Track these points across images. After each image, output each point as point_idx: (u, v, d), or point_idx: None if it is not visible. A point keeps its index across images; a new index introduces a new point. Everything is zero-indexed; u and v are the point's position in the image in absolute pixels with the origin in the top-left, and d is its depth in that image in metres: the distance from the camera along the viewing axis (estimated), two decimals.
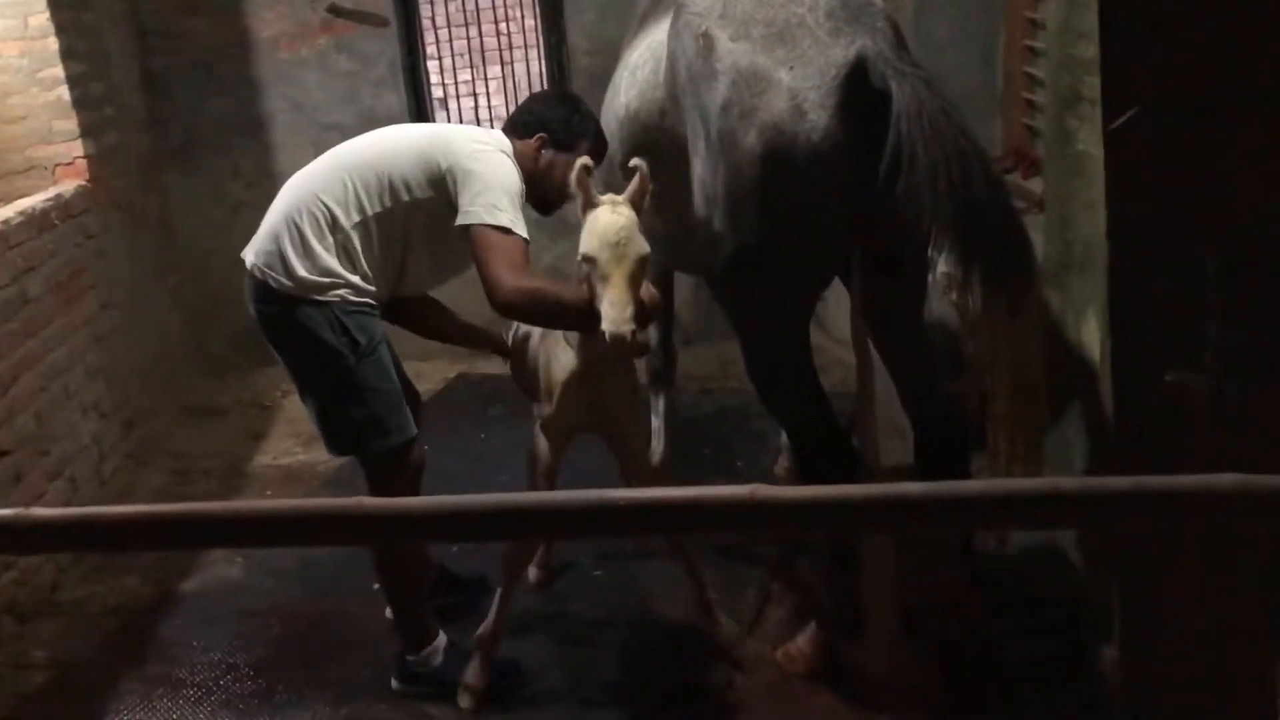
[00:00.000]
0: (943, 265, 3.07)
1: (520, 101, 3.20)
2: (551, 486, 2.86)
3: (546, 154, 2.89)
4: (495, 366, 5.44)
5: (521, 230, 2.68)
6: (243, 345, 5.42)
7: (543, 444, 2.87)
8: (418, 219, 2.80)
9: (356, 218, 2.76)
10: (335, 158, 2.87)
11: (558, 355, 2.78)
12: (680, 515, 1.15)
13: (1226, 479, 1.05)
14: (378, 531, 1.20)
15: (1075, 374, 2.82)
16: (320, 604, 3.47)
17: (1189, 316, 1.39)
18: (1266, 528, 1.18)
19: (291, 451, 4.74)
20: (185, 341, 5.36)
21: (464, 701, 2.90)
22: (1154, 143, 1.38)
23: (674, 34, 2.73)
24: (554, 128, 2.90)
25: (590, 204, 2.52)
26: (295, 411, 5.06)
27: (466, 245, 2.69)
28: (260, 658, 3.19)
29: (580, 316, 2.55)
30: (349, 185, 2.77)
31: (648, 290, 2.55)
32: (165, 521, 1.22)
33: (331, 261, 2.75)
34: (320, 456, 4.60)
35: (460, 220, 2.68)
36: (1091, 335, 2.73)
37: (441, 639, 2.99)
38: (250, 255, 2.83)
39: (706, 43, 2.57)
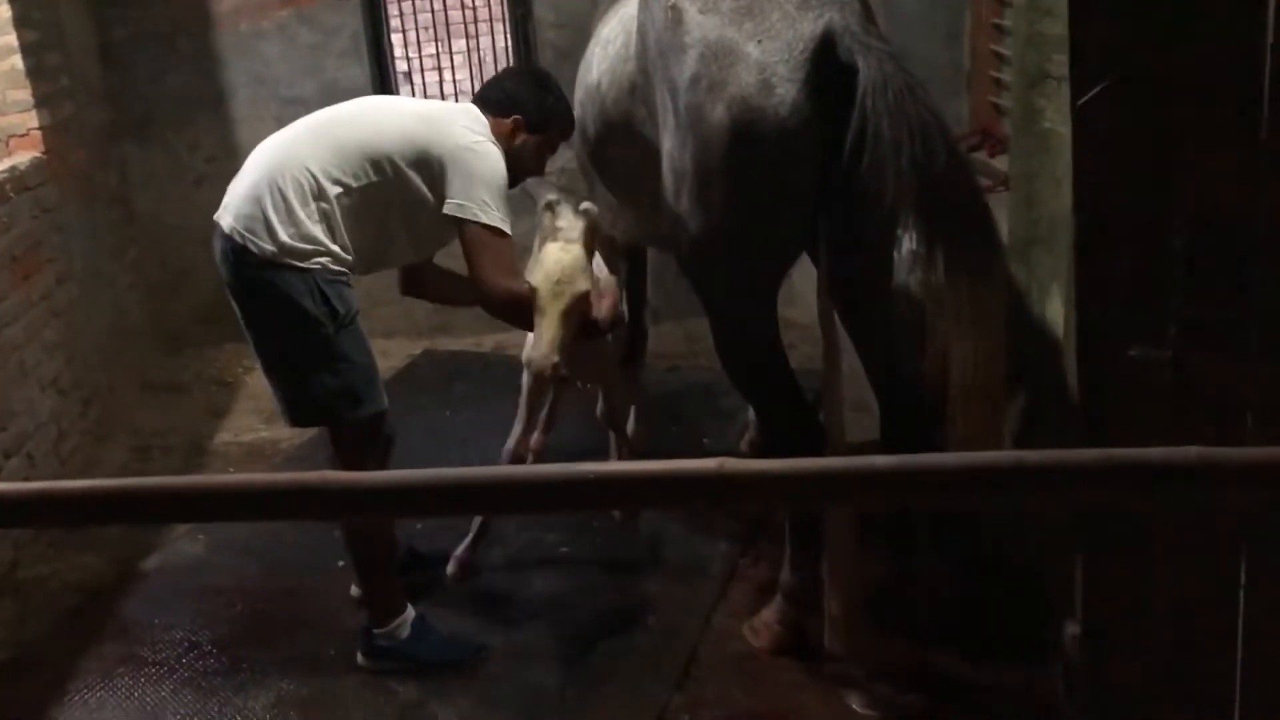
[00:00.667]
0: (909, 242, 3.10)
1: (489, 76, 3.19)
2: (534, 415, 3.24)
3: (521, 135, 2.92)
4: (460, 343, 5.48)
5: (507, 227, 2.76)
6: (203, 320, 5.37)
7: (527, 379, 3.17)
8: (401, 197, 2.79)
9: (340, 189, 2.74)
10: (321, 125, 2.84)
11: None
12: (648, 489, 1.15)
13: (1190, 452, 1.06)
14: (342, 506, 1.19)
15: (1039, 350, 2.84)
16: (283, 581, 3.44)
17: (1152, 292, 1.40)
18: (1229, 500, 1.19)
19: (254, 428, 4.70)
20: (145, 317, 5.30)
21: (452, 568, 3.27)
22: (1120, 119, 1.38)
23: (644, 6, 2.72)
24: (529, 110, 2.93)
25: (547, 237, 2.72)
26: (257, 388, 5.01)
27: (446, 229, 2.79)
28: (223, 635, 3.16)
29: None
30: (336, 155, 2.75)
31: (611, 304, 2.84)
32: (130, 496, 1.19)
33: (314, 229, 2.72)
34: (283, 434, 4.56)
35: (451, 211, 2.73)
36: (1056, 311, 2.75)
37: (410, 613, 2.98)
38: (228, 218, 2.76)
39: (675, 15, 2.56)
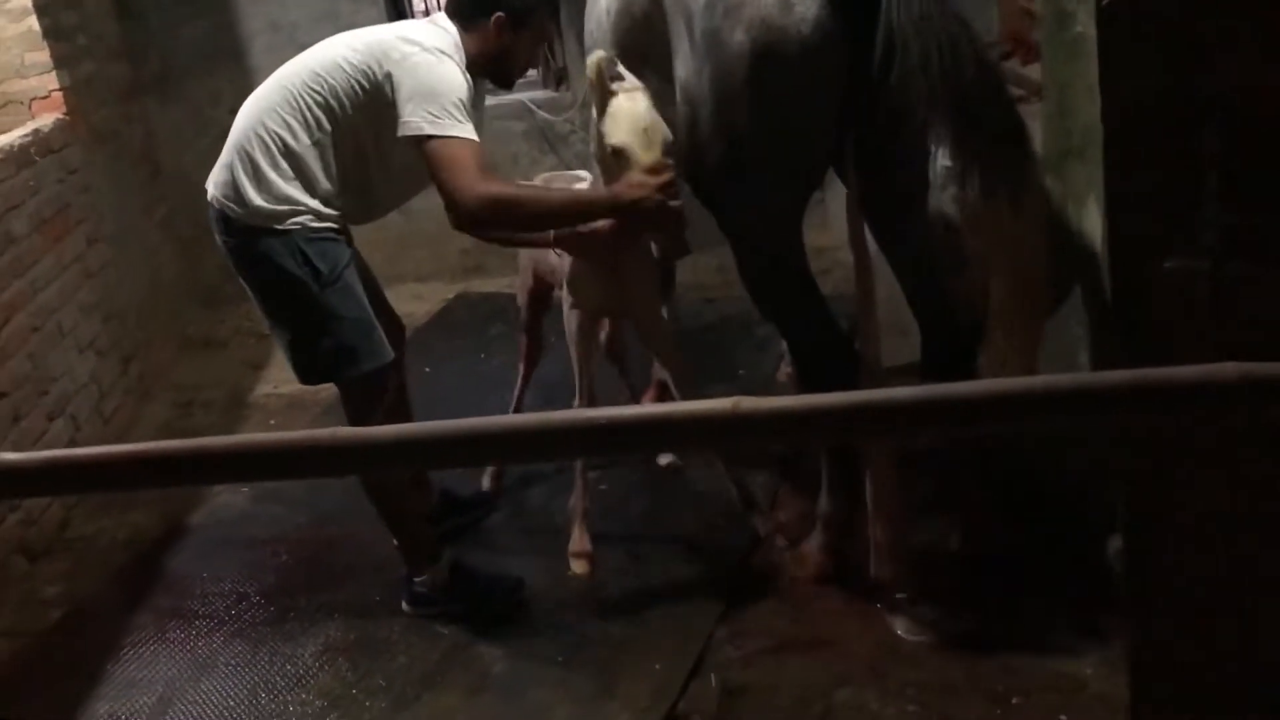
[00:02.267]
0: (943, 159, 3.00)
1: None
2: (590, 367, 3.00)
3: (507, 32, 2.77)
4: (494, 285, 5.45)
5: (468, 133, 2.55)
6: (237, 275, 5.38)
7: (573, 325, 2.95)
8: (368, 134, 2.70)
9: (306, 140, 2.67)
10: (278, 79, 2.76)
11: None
12: (662, 431, 1.12)
13: (1229, 368, 1.01)
14: (354, 462, 1.17)
15: (1077, 264, 2.75)
16: (328, 530, 3.47)
17: (1188, 200, 1.33)
18: (1270, 418, 1.14)
19: (292, 380, 4.63)
20: (179, 274, 5.32)
21: (578, 568, 3.05)
22: (1151, 19, 1.31)
23: None
24: (508, 5, 2.75)
25: (607, 96, 2.53)
26: None
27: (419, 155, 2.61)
28: (270, 586, 3.21)
29: (576, 214, 2.61)
30: (294, 106, 2.67)
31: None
32: (132, 461, 1.18)
33: (288, 188, 2.66)
34: (322, 385, 4.58)
35: (401, 132, 2.57)
36: (1093, 224, 2.65)
37: (447, 558, 2.99)
38: (210, 186, 2.77)
39: None
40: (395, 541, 3.07)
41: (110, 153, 4.72)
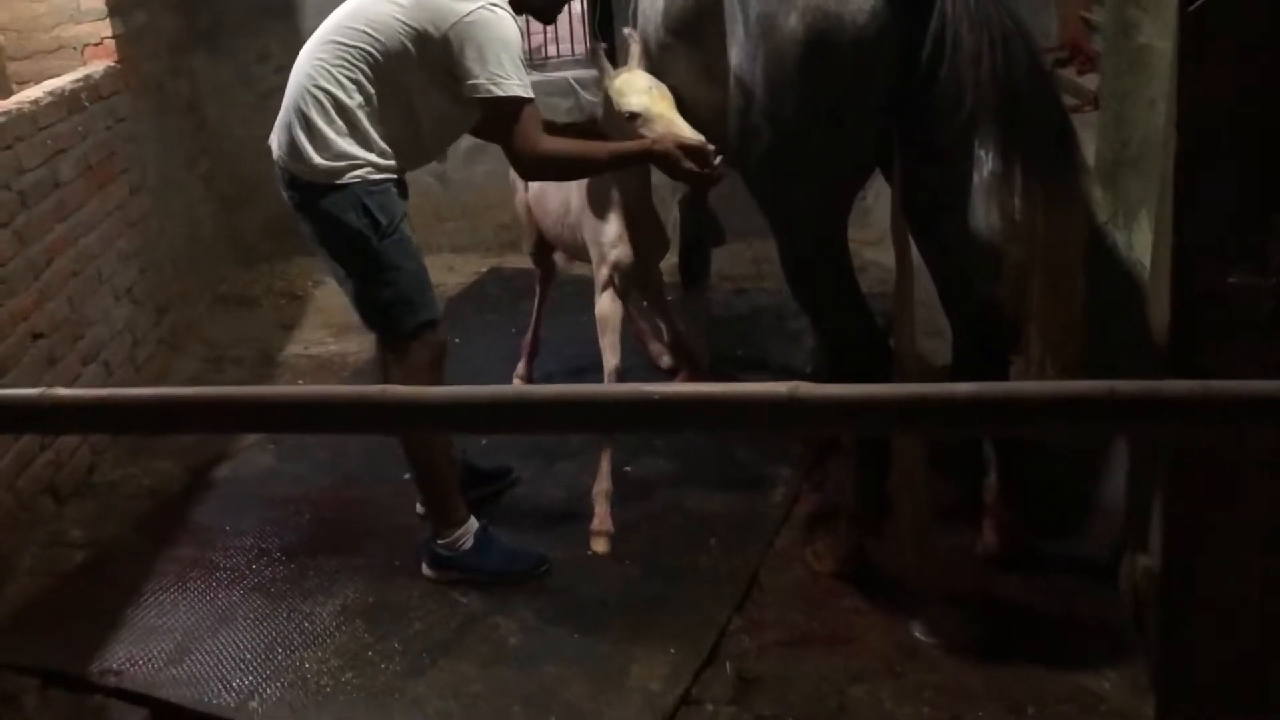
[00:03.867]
0: (988, 163, 2.98)
1: None
2: (619, 342, 3.17)
3: None
4: (527, 261, 5.45)
5: (528, 90, 2.74)
6: (274, 234, 5.40)
7: (606, 303, 3.15)
8: (418, 89, 2.76)
9: (359, 97, 2.73)
10: (327, 33, 2.79)
11: (606, 207, 3.15)
12: (719, 412, 1.11)
13: None
14: (403, 420, 1.17)
15: (1123, 277, 2.73)
16: (351, 492, 3.49)
17: (1258, 214, 1.31)
18: None
19: (323, 341, 4.75)
20: (216, 229, 5.34)
21: (598, 546, 3.10)
22: (1231, 27, 1.29)
23: None
24: None
25: (607, 75, 2.96)
26: (326, 301, 5.06)
27: (470, 109, 2.79)
28: (291, 543, 3.23)
29: (608, 162, 2.87)
30: (345, 63, 2.72)
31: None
32: (192, 405, 1.19)
33: (345, 144, 2.73)
34: (351, 348, 4.61)
35: (469, 94, 2.71)
36: (1143, 238, 2.62)
37: (472, 523, 3.01)
38: (273, 146, 2.85)
39: None
40: (421, 502, 3.09)
41: (157, 104, 4.74)
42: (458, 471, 3.13)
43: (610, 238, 3.14)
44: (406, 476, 3.42)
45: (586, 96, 5.37)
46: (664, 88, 2.89)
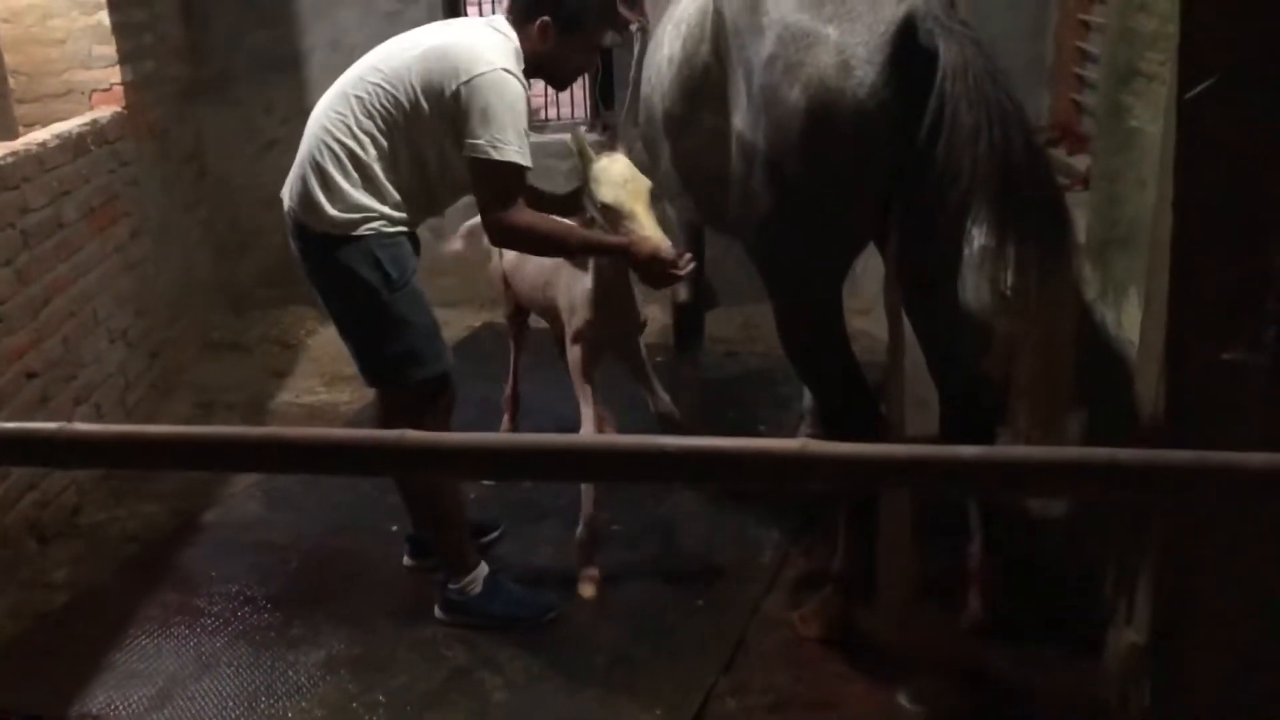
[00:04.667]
0: (981, 239, 3.04)
1: None
2: (593, 396, 3.19)
3: (552, 38, 2.83)
4: None
5: (524, 159, 2.72)
6: (269, 282, 5.43)
7: (578, 352, 3.17)
8: (431, 142, 2.78)
9: (374, 150, 2.75)
10: (345, 86, 2.82)
11: (578, 279, 3.14)
12: (730, 465, 1.14)
13: None
14: (420, 464, 1.19)
15: (1111, 354, 2.79)
16: (339, 541, 3.48)
17: (1251, 293, 1.36)
18: None
19: (314, 390, 4.75)
20: (212, 275, 5.37)
21: (586, 591, 3.13)
22: (1226, 115, 1.35)
23: None
24: (554, 10, 2.82)
25: (589, 160, 2.90)
26: (319, 350, 5.08)
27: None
28: (277, 591, 3.21)
29: (580, 248, 2.89)
30: (360, 116, 2.74)
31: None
32: (211, 444, 1.21)
33: (361, 197, 2.75)
34: (343, 397, 4.62)
35: (466, 152, 2.71)
36: (1132, 315, 2.69)
37: (483, 569, 3.03)
38: (286, 197, 2.87)
39: None
40: (411, 561, 3.10)
41: (161, 150, 4.79)
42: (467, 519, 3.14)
43: (582, 299, 3.13)
44: (394, 528, 3.44)
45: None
46: (641, 182, 2.87)
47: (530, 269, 3.46)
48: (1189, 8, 1.35)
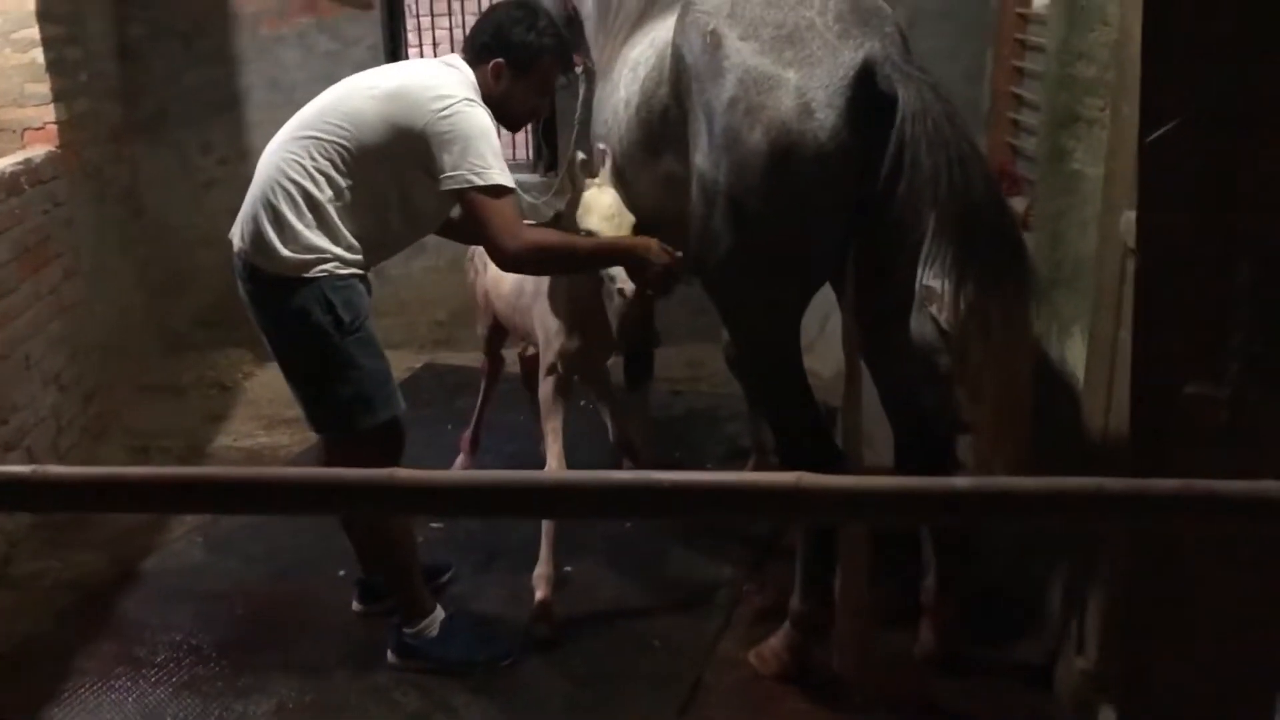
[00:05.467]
0: (925, 279, 3.11)
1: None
2: (560, 430, 3.19)
3: (506, 79, 2.84)
4: (462, 357, 5.46)
5: (509, 181, 2.71)
6: (205, 323, 5.34)
7: (549, 389, 3.19)
8: (391, 185, 2.76)
9: (330, 191, 2.72)
10: (299, 126, 2.79)
11: (554, 306, 3.19)
12: (724, 499, 1.14)
13: (1273, 486, 1.07)
14: (409, 503, 1.18)
15: (1057, 391, 2.85)
16: (285, 586, 3.41)
17: (1214, 328, 1.41)
18: None
19: (253, 434, 4.66)
20: (148, 317, 5.26)
21: (541, 631, 3.10)
22: (1188, 155, 1.40)
23: (680, 31, 2.73)
24: (507, 51, 2.82)
25: (579, 189, 2.93)
26: (256, 393, 4.99)
27: (444, 204, 2.80)
28: (223, 640, 3.12)
29: (592, 256, 2.84)
30: (316, 156, 2.71)
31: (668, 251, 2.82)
32: (189, 485, 1.19)
33: (314, 238, 2.71)
34: (281, 440, 4.54)
35: (448, 186, 2.69)
36: (1077, 353, 2.76)
37: (439, 613, 2.99)
38: (236, 238, 2.81)
39: (714, 40, 2.58)
40: (357, 598, 3.04)
41: (95, 190, 4.70)
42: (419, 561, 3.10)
43: (558, 326, 3.17)
44: (342, 573, 3.38)
45: (527, 200, 5.47)
46: (627, 217, 2.89)
47: (507, 287, 3.45)
48: (1149, 55, 1.41)
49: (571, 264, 2.91)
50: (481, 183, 2.66)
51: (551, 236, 2.86)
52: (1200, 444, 1.46)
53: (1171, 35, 1.38)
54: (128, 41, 5.14)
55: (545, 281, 3.22)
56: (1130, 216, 2.11)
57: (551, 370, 3.19)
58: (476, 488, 1.16)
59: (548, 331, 3.21)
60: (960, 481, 1.11)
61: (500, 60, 2.83)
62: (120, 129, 5.09)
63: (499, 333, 3.81)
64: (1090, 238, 2.63)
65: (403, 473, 1.19)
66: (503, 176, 2.69)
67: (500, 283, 3.52)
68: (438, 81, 2.76)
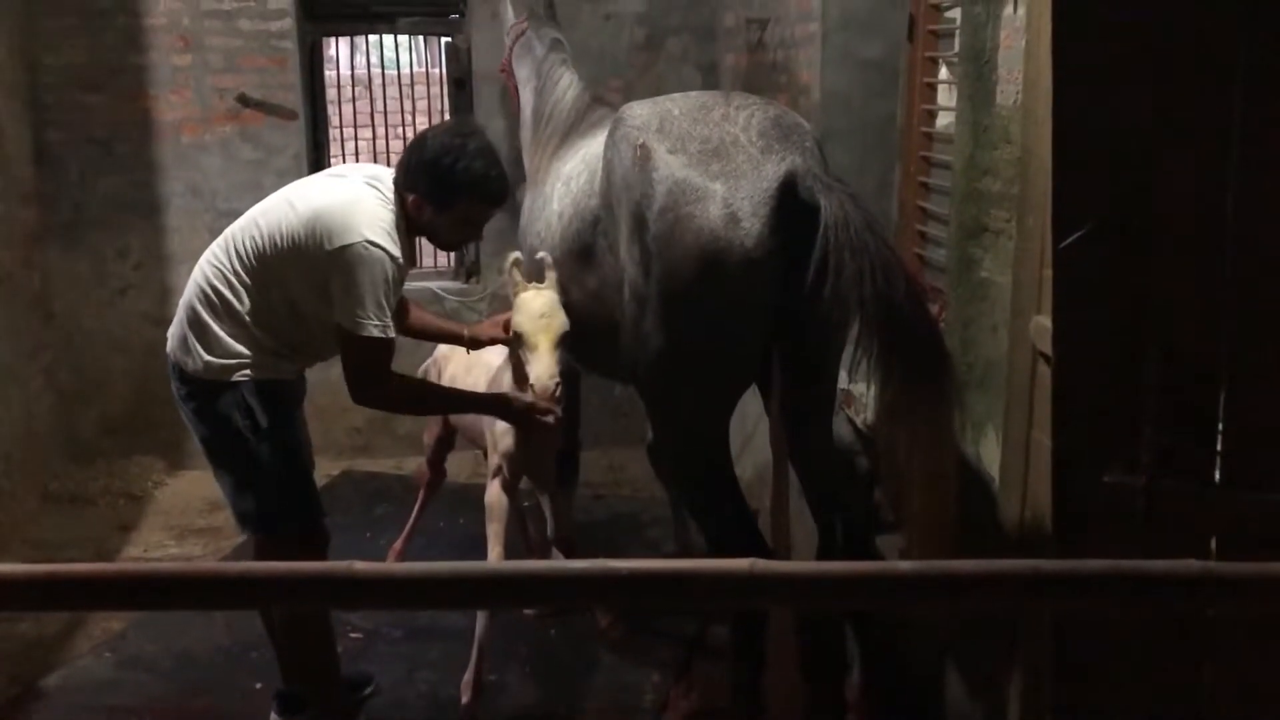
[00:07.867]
0: (845, 382, 3.22)
1: None
2: (504, 532, 3.26)
3: (427, 212, 2.80)
4: (381, 465, 5.41)
5: (386, 332, 2.72)
6: (114, 431, 5.21)
7: (495, 491, 3.25)
8: (303, 294, 2.77)
9: (249, 303, 2.76)
10: (226, 239, 2.84)
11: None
12: (681, 586, 1.18)
13: (1193, 564, 1.14)
14: (371, 595, 1.19)
15: (974, 488, 2.95)
16: (199, 703, 3.30)
17: (1128, 421, 1.51)
18: (1228, 611, 1.28)
19: (163, 544, 4.54)
20: (54, 424, 5.12)
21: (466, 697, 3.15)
22: (1097, 261, 1.51)
23: (611, 145, 2.84)
24: (424, 189, 2.78)
25: (518, 290, 3.01)
26: (168, 502, 4.87)
27: None
28: None
29: (454, 407, 3.20)
30: (237, 268, 2.77)
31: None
32: (146, 581, 1.18)
33: (235, 345, 2.76)
34: (194, 550, 4.42)
35: (335, 317, 2.72)
36: (990, 451, 2.86)
37: None
38: (168, 341, 2.87)
39: (644, 153, 2.68)
40: (278, 711, 2.96)
41: (5, 294, 4.61)
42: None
43: (504, 428, 3.20)
44: (259, 686, 3.28)
45: (452, 303, 5.52)
46: (558, 320, 2.95)
47: (462, 387, 3.43)
48: (1060, 167, 1.53)
49: (422, 412, 3.22)
50: (356, 331, 2.68)
51: (414, 389, 3.10)
52: (1120, 529, 1.54)
53: (1079, 150, 1.50)
54: (44, 146, 5.09)
55: (493, 385, 3.27)
56: (1039, 321, 2.25)
57: (497, 472, 3.25)
58: (437, 579, 1.18)
59: (495, 434, 3.25)
60: (904, 565, 1.17)
61: (416, 196, 2.79)
62: (34, 233, 5.02)
63: (446, 443, 3.84)
64: (1000, 341, 2.75)
65: (361, 565, 1.20)
66: (379, 329, 2.69)
67: (454, 384, 3.50)
68: (351, 214, 2.72)
